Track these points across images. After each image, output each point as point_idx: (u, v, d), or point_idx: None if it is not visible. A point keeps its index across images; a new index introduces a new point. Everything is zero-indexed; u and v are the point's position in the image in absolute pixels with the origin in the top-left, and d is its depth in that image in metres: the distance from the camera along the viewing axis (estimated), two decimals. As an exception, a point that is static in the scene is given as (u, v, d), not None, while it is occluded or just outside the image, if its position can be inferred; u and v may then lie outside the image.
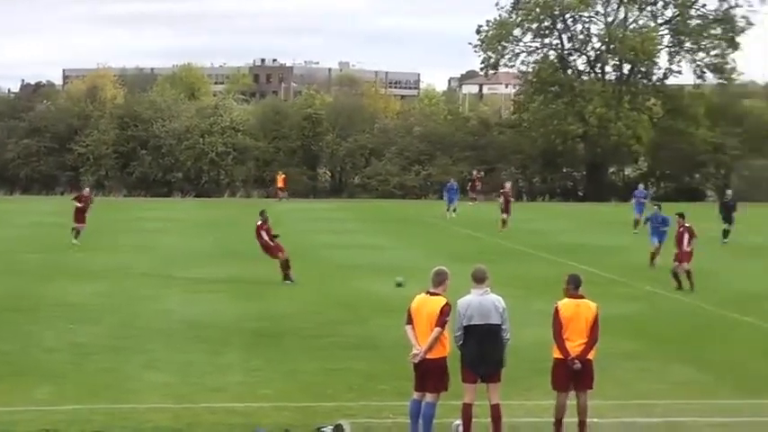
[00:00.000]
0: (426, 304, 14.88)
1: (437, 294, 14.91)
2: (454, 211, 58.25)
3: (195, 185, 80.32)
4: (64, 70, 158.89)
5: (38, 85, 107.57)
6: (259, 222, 31.82)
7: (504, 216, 49.68)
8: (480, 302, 14.91)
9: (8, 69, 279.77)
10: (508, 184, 53.77)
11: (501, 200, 50.33)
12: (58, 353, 20.97)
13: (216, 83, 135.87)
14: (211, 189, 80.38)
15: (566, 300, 15.38)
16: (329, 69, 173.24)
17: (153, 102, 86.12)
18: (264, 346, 22.04)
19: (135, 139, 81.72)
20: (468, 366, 14.94)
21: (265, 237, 31.57)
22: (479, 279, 15.09)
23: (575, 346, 15.10)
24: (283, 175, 74.76)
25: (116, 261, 35.58)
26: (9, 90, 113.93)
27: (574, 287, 15.43)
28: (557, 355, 15.27)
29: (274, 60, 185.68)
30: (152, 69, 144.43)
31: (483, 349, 14.86)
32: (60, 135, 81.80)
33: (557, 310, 15.24)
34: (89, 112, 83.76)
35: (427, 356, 14.75)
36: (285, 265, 31.06)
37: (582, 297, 15.39)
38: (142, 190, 79.23)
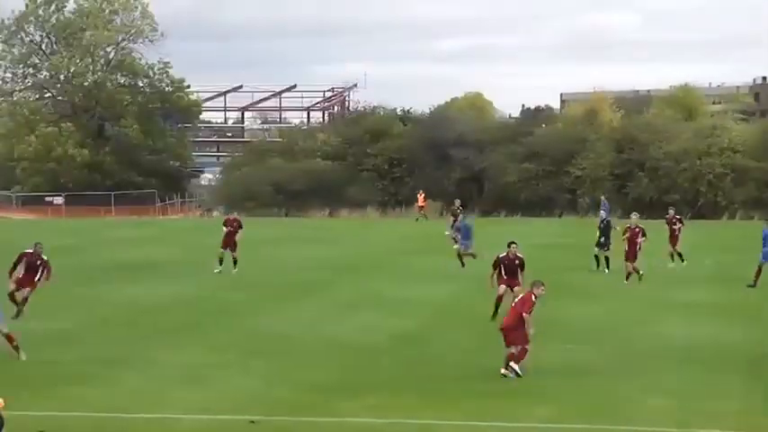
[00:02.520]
0: None
1: None
2: None
3: (692, 207, 79.12)
4: (561, 94, 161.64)
5: (537, 109, 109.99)
6: None
7: None
8: None
9: (510, 96, 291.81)
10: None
11: None
12: (553, 372, 21.28)
13: (714, 103, 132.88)
14: (708, 211, 78.82)
15: None
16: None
17: (649, 124, 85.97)
18: None
19: (631, 161, 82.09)
20: None
21: None
22: None
23: None
24: (422, 194, 74.36)
25: (611, 284, 35.83)
26: (510, 115, 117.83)
27: None
28: None
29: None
30: (648, 91, 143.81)
31: None
32: (558, 158, 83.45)
33: None
34: (586, 135, 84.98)
35: None
36: None
37: None
38: (639, 212, 78.97)
